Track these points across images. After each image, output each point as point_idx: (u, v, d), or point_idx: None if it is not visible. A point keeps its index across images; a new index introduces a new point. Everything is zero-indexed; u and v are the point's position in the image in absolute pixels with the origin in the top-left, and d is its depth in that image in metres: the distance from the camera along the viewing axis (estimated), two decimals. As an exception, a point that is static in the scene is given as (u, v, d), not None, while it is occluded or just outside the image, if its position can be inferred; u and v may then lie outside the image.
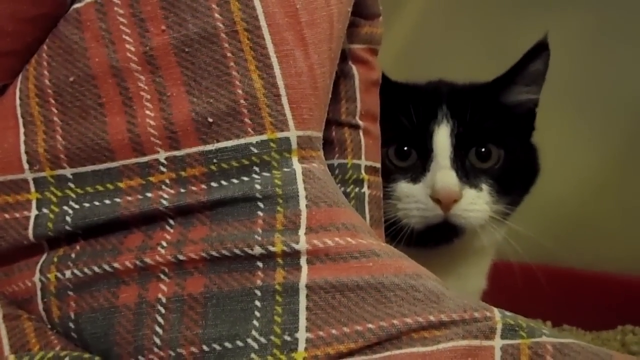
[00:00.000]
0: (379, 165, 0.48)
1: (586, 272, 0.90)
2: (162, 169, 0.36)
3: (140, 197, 0.35)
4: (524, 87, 0.60)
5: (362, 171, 0.47)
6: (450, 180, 0.53)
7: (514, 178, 0.59)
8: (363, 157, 0.47)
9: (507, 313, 0.33)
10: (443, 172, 0.53)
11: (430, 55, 1.02)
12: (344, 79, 0.47)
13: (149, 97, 0.35)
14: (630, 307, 0.85)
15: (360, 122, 0.47)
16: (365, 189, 0.46)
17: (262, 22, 0.35)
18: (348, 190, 0.46)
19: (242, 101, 0.35)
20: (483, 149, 0.57)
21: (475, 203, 0.55)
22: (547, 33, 0.59)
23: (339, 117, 0.46)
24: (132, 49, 0.35)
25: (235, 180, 0.35)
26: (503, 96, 0.60)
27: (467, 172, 0.55)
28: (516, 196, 0.61)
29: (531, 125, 0.63)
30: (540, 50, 0.59)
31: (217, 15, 0.35)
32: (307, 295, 0.33)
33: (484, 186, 0.56)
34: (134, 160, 0.36)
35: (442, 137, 0.55)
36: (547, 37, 0.59)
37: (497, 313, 0.33)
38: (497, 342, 0.31)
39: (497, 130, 0.57)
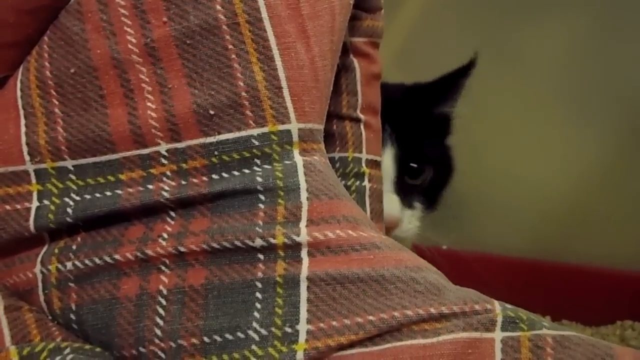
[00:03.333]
0: (380, 158, 0.48)
1: (586, 267, 0.91)
2: (163, 160, 0.36)
3: (141, 188, 0.35)
4: (453, 100, 0.64)
5: (363, 164, 0.47)
6: (395, 207, 0.55)
7: (439, 187, 0.63)
8: (364, 150, 0.47)
9: (508, 305, 0.33)
10: (388, 197, 0.55)
11: (430, 53, 1.02)
12: (345, 72, 0.47)
13: (150, 89, 0.35)
14: (630, 302, 0.85)
15: (362, 116, 0.47)
16: (366, 183, 0.46)
17: (264, 14, 0.35)
18: (349, 183, 0.46)
19: (243, 93, 0.35)
20: (416, 167, 0.59)
21: (410, 222, 0.58)
22: (476, 52, 0.64)
23: (340, 110, 0.46)
24: (134, 40, 0.35)
25: (236, 173, 0.35)
26: (435, 108, 0.63)
27: (404, 194, 0.57)
28: (438, 199, 0.64)
29: (449, 130, 0.66)
30: (471, 67, 0.63)
31: (218, 7, 0.35)
32: (307, 287, 0.33)
33: (417, 204, 0.59)
34: (135, 152, 0.36)
35: (387, 162, 0.56)
36: (477, 55, 0.63)
37: (497, 305, 0.33)
38: (498, 334, 0.32)
39: (429, 147, 0.59)
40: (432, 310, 0.32)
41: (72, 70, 0.36)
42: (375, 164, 0.48)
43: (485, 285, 0.96)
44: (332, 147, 0.46)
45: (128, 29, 0.35)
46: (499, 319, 0.32)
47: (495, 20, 0.95)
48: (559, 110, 0.92)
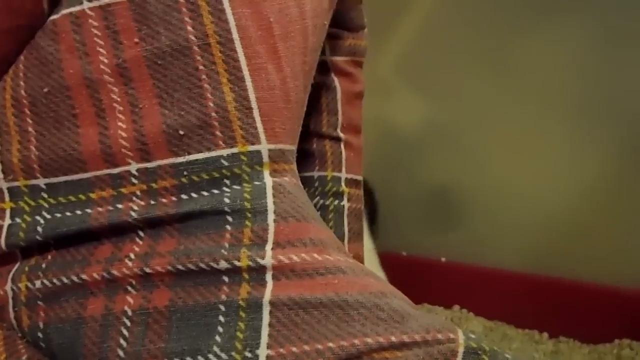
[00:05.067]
0: (360, 178, 0.48)
1: (585, 284, 0.90)
2: (134, 180, 0.36)
3: (110, 208, 0.36)
4: None
5: (343, 184, 0.46)
6: None
7: None
8: (344, 169, 0.47)
9: (472, 336, 0.33)
10: None
11: (432, 61, 1.02)
12: (325, 91, 0.47)
13: (121, 108, 0.36)
14: (628, 320, 0.84)
15: (342, 135, 0.47)
16: (344, 202, 0.46)
17: (235, 35, 0.35)
18: (327, 202, 0.46)
19: (213, 114, 0.35)
20: None
21: None
22: None
23: (319, 129, 0.46)
24: (106, 60, 0.35)
25: (205, 193, 0.35)
26: None
27: None
28: None
29: None
30: None
31: (189, 28, 0.35)
32: (270, 312, 0.33)
33: None
34: (105, 171, 0.36)
35: None
36: None
37: (460, 335, 0.33)
38: None
39: None
40: (393, 338, 0.32)
41: (45, 90, 0.36)
42: (355, 183, 0.47)
43: (483, 298, 0.95)
44: (311, 166, 0.46)
45: (100, 49, 0.36)
46: (461, 350, 0.32)
47: (501, 28, 0.95)
48: (562, 125, 0.92)
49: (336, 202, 0.46)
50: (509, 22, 0.94)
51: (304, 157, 0.39)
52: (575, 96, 0.90)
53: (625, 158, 0.88)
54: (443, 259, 1.03)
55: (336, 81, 0.47)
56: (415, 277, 0.96)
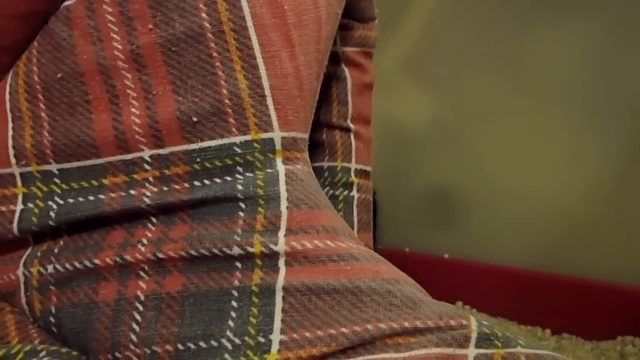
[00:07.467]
0: (369, 168, 0.48)
1: (588, 281, 0.90)
2: (147, 166, 0.36)
3: (123, 194, 0.36)
4: None
5: (352, 174, 0.46)
6: None
7: None
8: (353, 160, 0.47)
9: (484, 322, 0.33)
10: None
11: (439, 58, 1.02)
12: (336, 81, 0.47)
13: (135, 95, 0.36)
14: (631, 317, 0.84)
15: (352, 125, 0.47)
16: (354, 192, 0.46)
17: (249, 23, 0.35)
18: (337, 193, 0.46)
19: (226, 101, 0.35)
20: None
21: None
22: None
23: (330, 119, 0.46)
24: (120, 47, 0.36)
25: (218, 180, 0.35)
26: None
27: None
28: None
29: None
30: None
31: (204, 15, 0.35)
32: (283, 297, 0.33)
33: None
34: (118, 157, 0.36)
35: None
36: None
37: (473, 321, 0.33)
38: (471, 351, 0.31)
39: None
40: (406, 324, 0.32)
41: (59, 75, 0.36)
42: (364, 174, 0.47)
43: (485, 295, 0.95)
44: (321, 156, 0.46)
45: (114, 36, 0.36)
46: (474, 336, 0.32)
47: (504, 25, 0.95)
48: (565, 124, 0.91)
49: (346, 192, 0.46)
50: (514, 21, 0.94)
51: (314, 147, 0.39)
52: (578, 95, 0.90)
53: (626, 156, 0.88)
54: (446, 256, 1.03)
55: (346, 72, 0.47)
56: (418, 273, 0.95)
